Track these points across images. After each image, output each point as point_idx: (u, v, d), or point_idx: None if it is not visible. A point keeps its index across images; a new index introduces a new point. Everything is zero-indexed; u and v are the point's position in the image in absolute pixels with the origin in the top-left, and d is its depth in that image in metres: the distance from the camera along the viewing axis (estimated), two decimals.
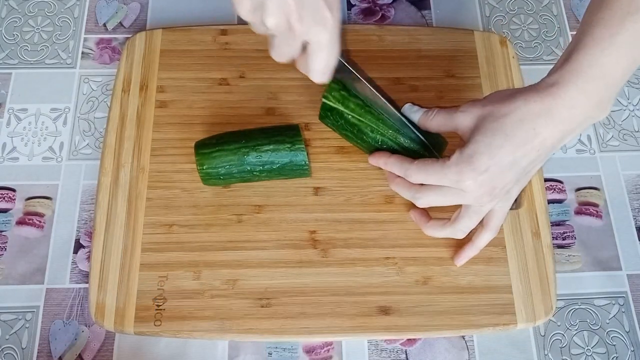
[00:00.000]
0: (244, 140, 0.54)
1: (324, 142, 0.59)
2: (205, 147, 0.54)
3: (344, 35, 0.44)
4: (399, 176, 0.50)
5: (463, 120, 0.46)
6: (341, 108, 0.54)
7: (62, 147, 0.62)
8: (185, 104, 0.61)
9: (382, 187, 0.58)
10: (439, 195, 0.47)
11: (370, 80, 0.53)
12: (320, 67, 0.46)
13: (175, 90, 0.62)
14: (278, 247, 0.55)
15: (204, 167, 0.54)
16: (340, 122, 0.54)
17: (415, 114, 0.51)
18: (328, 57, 0.46)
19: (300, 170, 0.55)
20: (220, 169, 0.54)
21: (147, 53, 0.63)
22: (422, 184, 0.48)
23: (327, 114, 0.55)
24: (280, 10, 0.42)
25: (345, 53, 0.47)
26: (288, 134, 0.54)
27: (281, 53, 0.46)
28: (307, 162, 0.54)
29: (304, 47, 0.46)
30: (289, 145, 0.54)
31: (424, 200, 0.48)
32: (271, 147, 0.54)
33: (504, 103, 0.44)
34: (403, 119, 0.52)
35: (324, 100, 0.54)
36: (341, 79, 0.53)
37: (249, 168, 0.54)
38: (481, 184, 0.44)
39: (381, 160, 0.52)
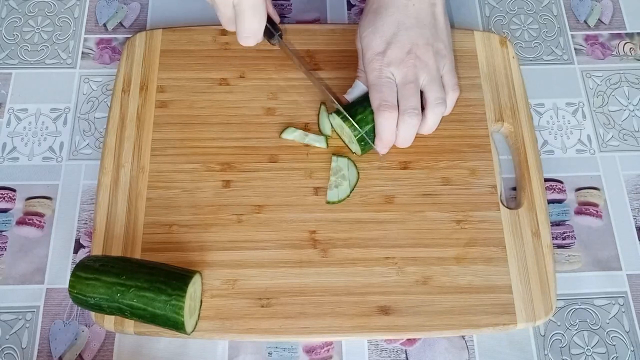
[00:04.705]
0: (125, 276, 0.49)
1: None
2: (83, 270, 0.49)
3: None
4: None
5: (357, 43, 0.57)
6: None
7: (62, 147, 0.62)
8: (185, 104, 0.61)
9: (382, 187, 0.58)
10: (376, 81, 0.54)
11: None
12: (244, 30, 0.52)
13: (175, 90, 0.62)
14: (278, 247, 0.55)
15: (74, 291, 0.49)
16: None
17: (353, 89, 0.58)
18: (252, 20, 0.50)
19: (176, 327, 0.49)
20: (89, 299, 0.49)
21: (147, 53, 0.63)
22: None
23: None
24: None
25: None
26: (173, 284, 0.48)
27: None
28: (183, 322, 0.48)
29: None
30: (165, 298, 0.48)
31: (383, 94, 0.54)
32: (147, 294, 0.48)
33: None
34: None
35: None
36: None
37: (119, 307, 0.49)
38: (381, 38, 0.53)
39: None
